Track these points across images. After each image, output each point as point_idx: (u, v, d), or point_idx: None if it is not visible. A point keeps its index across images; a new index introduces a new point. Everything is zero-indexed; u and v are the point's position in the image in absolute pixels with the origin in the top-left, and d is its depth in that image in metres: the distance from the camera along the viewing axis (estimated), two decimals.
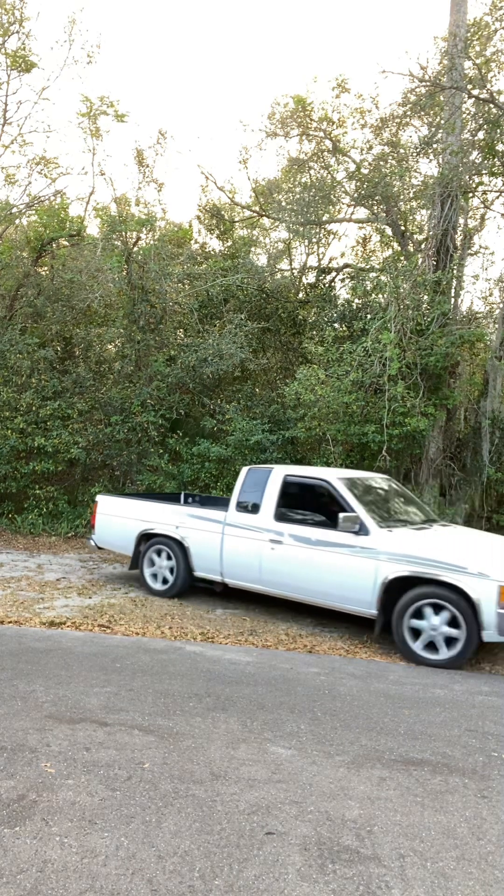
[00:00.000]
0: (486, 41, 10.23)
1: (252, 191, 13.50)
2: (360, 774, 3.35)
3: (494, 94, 9.57)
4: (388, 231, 11.76)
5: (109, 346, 13.24)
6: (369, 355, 9.47)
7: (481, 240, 16.71)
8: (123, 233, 11.91)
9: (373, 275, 11.83)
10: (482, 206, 11.16)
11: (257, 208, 13.57)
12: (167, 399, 11.59)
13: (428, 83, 10.10)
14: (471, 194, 10.62)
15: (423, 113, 10.98)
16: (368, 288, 11.52)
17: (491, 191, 10.73)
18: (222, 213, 14.93)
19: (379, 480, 7.06)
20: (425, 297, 9.84)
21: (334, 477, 6.32)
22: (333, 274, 13.58)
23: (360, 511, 5.98)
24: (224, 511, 6.98)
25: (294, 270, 14.93)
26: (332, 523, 6.09)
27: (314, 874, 2.53)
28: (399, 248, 11.68)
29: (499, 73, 10.07)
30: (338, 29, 36.60)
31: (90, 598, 7.12)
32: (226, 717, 3.98)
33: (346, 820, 2.91)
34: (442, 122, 10.45)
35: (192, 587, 7.39)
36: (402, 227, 11.60)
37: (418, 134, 11.49)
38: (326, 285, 13.33)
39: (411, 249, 11.33)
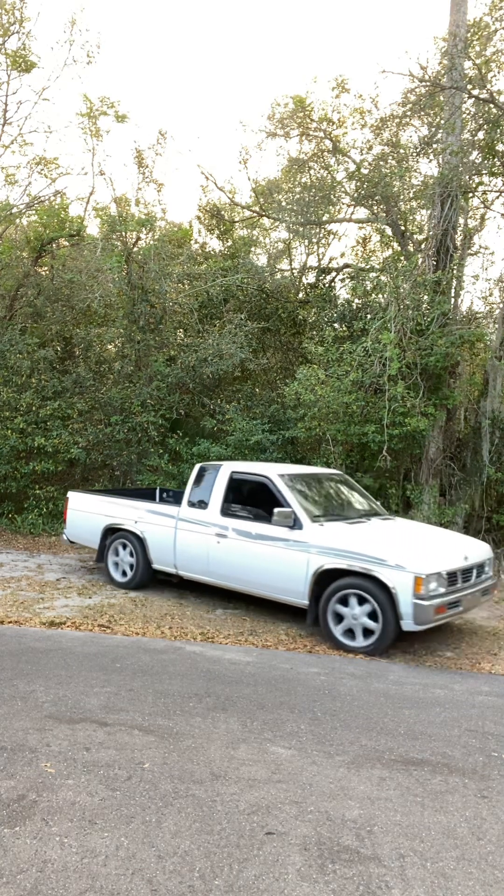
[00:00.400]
0: (486, 41, 10.23)
1: (252, 191, 13.48)
2: (360, 774, 3.35)
3: (494, 94, 9.57)
4: (388, 231, 11.75)
5: (109, 346, 13.23)
6: (369, 355, 9.47)
7: (481, 240, 16.69)
8: (123, 233, 11.90)
9: (373, 275, 11.82)
10: (482, 206, 11.16)
11: (257, 208, 13.56)
12: (167, 399, 11.59)
13: (428, 83, 10.10)
14: (471, 194, 10.62)
15: (423, 113, 10.97)
16: (368, 288, 11.52)
17: (491, 191, 10.73)
18: (222, 213, 14.91)
19: (328, 476, 7.25)
20: (425, 297, 9.84)
21: (274, 473, 6.52)
22: (333, 274, 13.57)
23: (295, 506, 6.18)
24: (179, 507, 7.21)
25: (294, 270, 14.91)
26: (271, 518, 6.26)
27: (314, 874, 2.53)
28: (399, 248, 11.66)
29: (499, 73, 10.07)
30: (338, 29, 36.61)
31: (90, 598, 7.12)
32: (226, 717, 3.99)
33: (346, 820, 2.92)
34: (442, 122, 10.45)
35: (157, 580, 7.59)
36: (402, 227, 11.59)
37: (418, 134, 11.48)
38: (326, 285, 13.32)
39: (411, 249, 11.32)
